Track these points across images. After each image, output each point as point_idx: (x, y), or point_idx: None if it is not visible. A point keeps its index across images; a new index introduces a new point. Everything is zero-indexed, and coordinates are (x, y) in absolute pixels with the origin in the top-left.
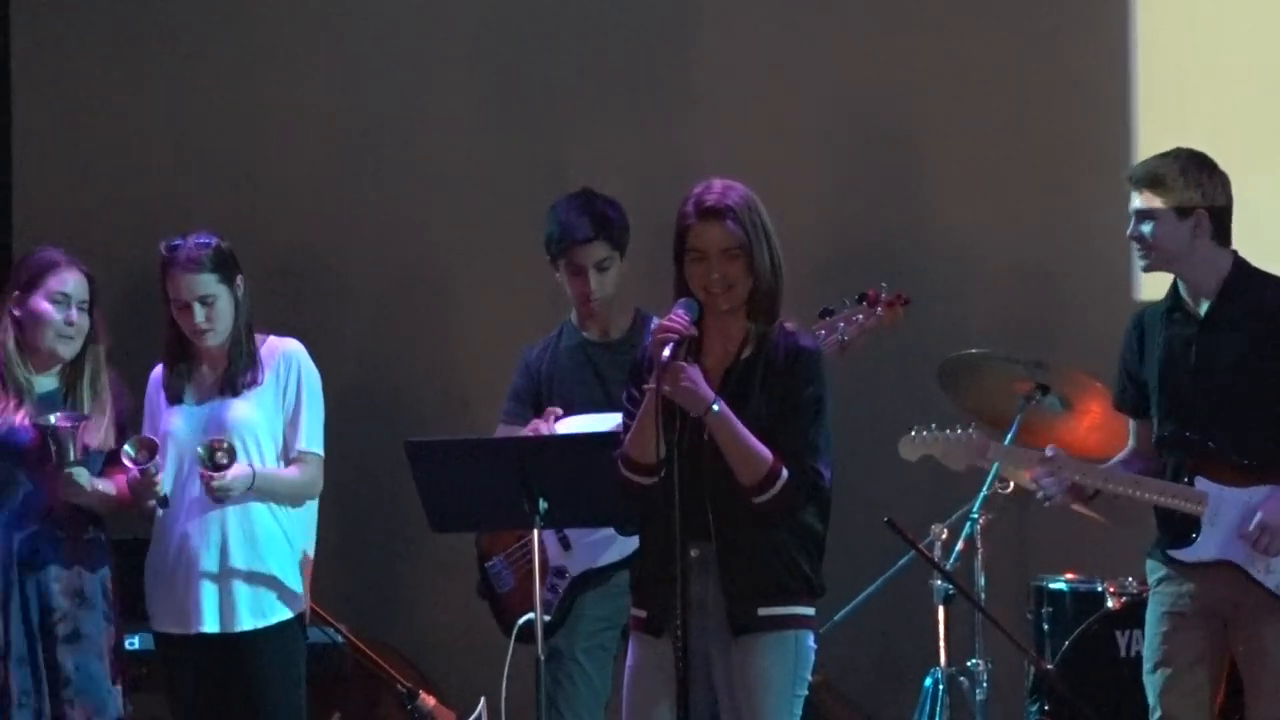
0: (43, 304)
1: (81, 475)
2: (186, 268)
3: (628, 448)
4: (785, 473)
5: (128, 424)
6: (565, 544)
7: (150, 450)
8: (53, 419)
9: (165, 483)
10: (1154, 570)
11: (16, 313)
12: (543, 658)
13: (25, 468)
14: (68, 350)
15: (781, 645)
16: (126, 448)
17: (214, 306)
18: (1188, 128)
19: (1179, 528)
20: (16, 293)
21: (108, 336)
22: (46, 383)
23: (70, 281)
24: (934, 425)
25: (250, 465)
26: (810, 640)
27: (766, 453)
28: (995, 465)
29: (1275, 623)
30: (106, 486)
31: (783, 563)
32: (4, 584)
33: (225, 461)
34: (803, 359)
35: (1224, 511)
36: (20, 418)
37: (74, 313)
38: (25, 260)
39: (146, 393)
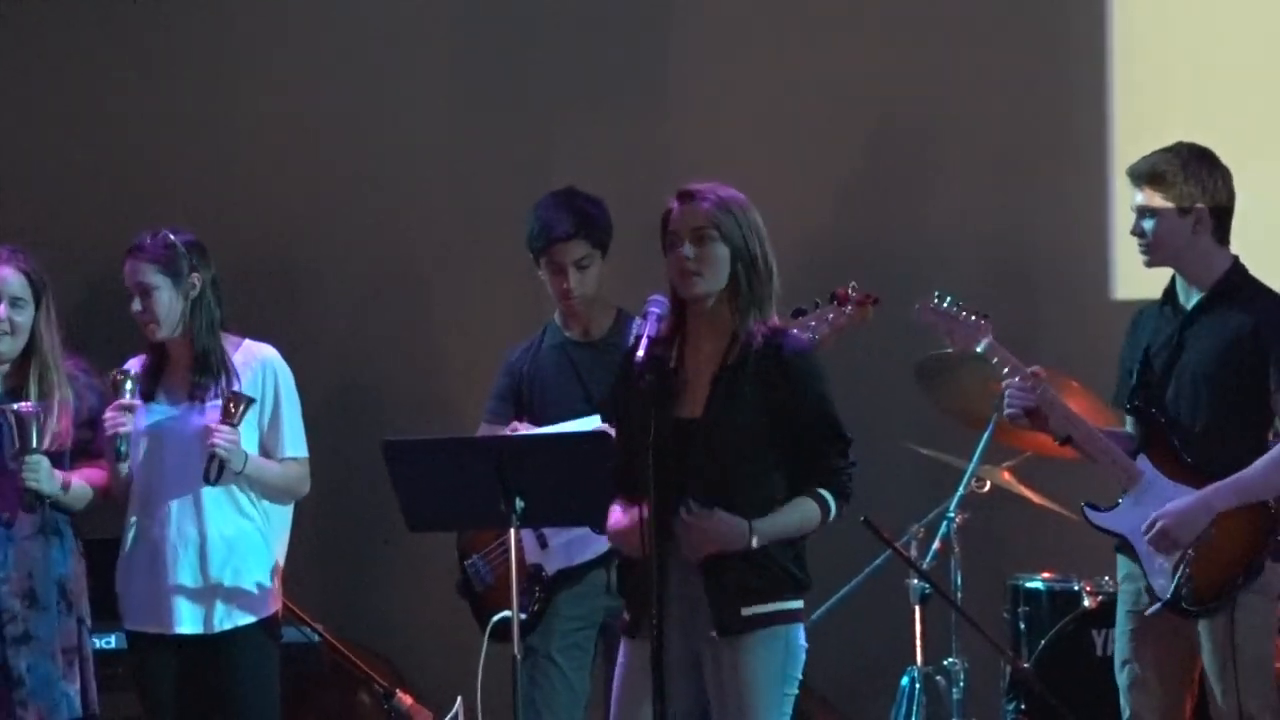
0: None
1: (43, 463)
2: (134, 253)
3: (613, 538)
4: (832, 504)
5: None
6: (542, 542)
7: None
8: (14, 405)
9: (136, 478)
10: (1122, 566)
11: None
12: (519, 656)
13: None
14: (2, 347)
15: (770, 643)
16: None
17: (152, 297)
18: (1164, 128)
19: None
20: None
21: (51, 333)
22: None
23: (3, 279)
24: (959, 303)
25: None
26: (800, 635)
27: (813, 514)
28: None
29: (1209, 618)
30: (76, 481)
31: (762, 561)
32: None
33: (236, 418)
34: (799, 364)
35: (1150, 496)
36: None
37: (4, 309)
38: None
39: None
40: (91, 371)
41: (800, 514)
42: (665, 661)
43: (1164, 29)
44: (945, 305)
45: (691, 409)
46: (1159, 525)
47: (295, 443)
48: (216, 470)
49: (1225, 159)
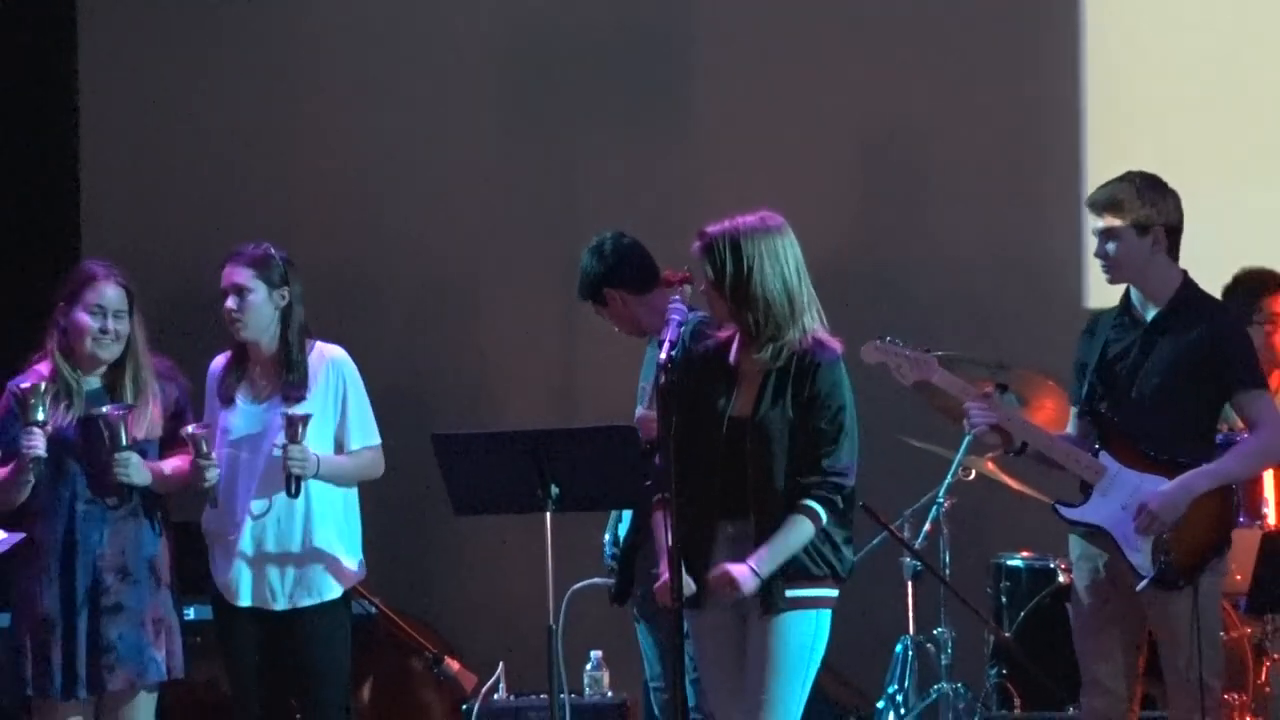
0: (82, 315)
1: (132, 458)
2: (234, 258)
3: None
4: (822, 514)
5: (187, 408)
6: None
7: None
8: (104, 409)
9: (223, 467)
10: (1075, 547)
11: (62, 322)
12: (553, 626)
13: (75, 458)
14: (108, 354)
15: (801, 624)
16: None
17: (245, 299)
18: (1132, 152)
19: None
20: (62, 304)
21: (142, 336)
22: (93, 382)
23: (106, 294)
24: (899, 340)
25: (315, 454)
26: (828, 618)
27: (806, 530)
28: (964, 443)
29: (1176, 592)
30: (161, 468)
31: (806, 551)
32: (60, 563)
33: (300, 436)
34: (825, 374)
35: (1117, 487)
36: (67, 416)
37: (110, 322)
38: (70, 274)
39: (207, 381)
40: (176, 369)
41: (795, 535)
42: (706, 628)
43: (1134, 57)
44: (889, 343)
45: (741, 408)
46: (1147, 509)
47: (365, 433)
48: (295, 484)
49: (1188, 184)
